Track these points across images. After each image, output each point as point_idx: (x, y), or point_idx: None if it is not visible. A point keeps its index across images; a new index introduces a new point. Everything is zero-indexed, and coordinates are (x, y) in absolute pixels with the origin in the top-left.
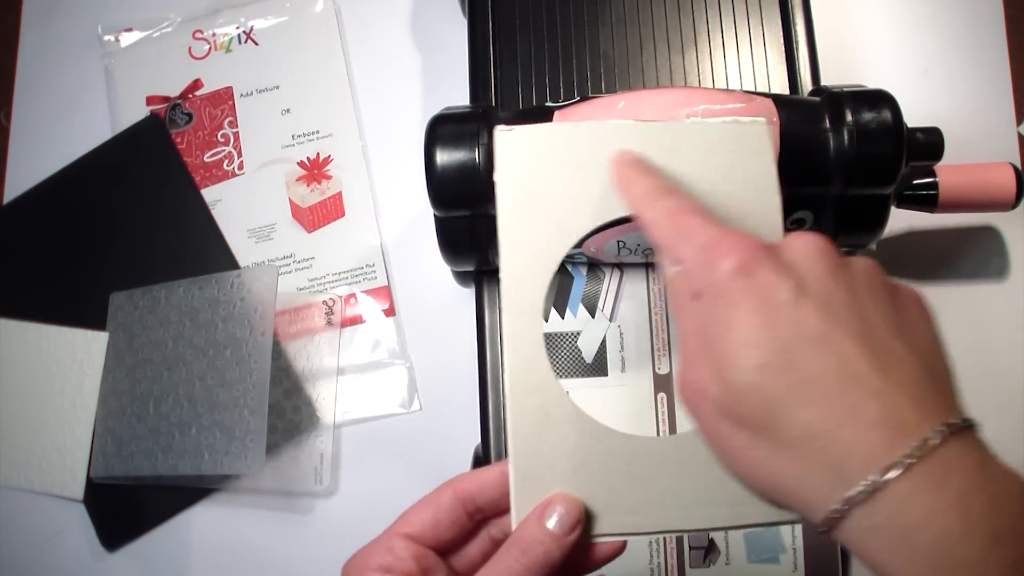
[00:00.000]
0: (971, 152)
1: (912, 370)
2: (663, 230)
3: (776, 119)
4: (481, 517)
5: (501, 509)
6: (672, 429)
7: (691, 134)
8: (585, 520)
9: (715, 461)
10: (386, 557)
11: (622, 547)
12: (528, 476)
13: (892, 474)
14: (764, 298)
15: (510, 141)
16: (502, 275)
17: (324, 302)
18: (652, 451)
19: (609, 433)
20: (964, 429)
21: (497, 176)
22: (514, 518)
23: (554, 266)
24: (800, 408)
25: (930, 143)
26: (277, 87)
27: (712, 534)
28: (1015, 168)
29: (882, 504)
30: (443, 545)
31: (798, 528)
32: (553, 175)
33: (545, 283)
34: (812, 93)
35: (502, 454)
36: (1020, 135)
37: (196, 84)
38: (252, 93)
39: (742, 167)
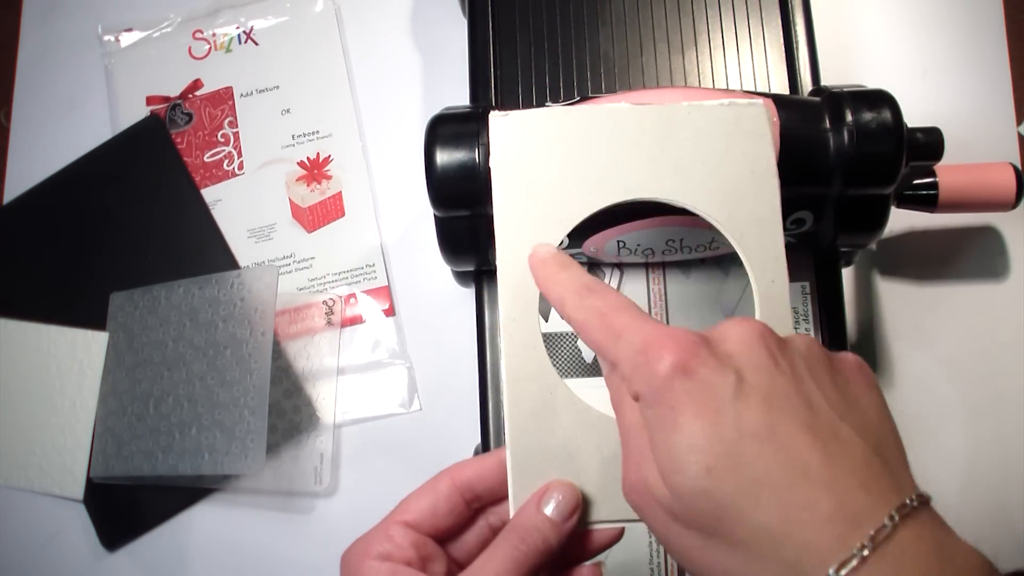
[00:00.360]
0: (971, 152)
1: (861, 453)
2: (592, 332)
3: (776, 119)
4: (479, 505)
5: (499, 497)
6: None
7: (687, 117)
8: (583, 506)
9: None
10: (385, 545)
11: (620, 534)
12: (525, 463)
13: (848, 567)
14: (705, 397)
15: (505, 126)
16: (498, 262)
17: (324, 302)
18: None
19: (606, 420)
20: (919, 508)
21: (492, 162)
22: (512, 505)
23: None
24: (751, 510)
25: (930, 143)
26: (277, 87)
27: None
28: (1015, 168)
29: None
30: (441, 533)
31: None
32: (549, 160)
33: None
34: (812, 93)
35: None
36: (1020, 135)
37: (196, 84)
38: (252, 93)
39: (739, 150)
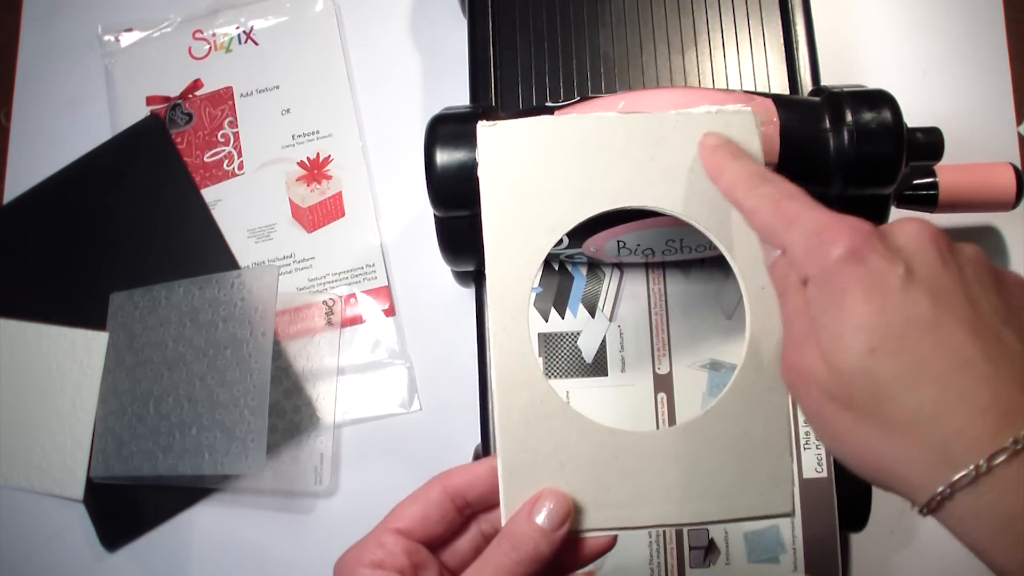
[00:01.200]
0: (971, 152)
1: (1020, 355)
2: (766, 218)
3: (776, 119)
4: (471, 512)
5: (490, 504)
6: None
7: (675, 126)
8: (575, 514)
9: (705, 455)
10: (377, 553)
11: (612, 542)
12: (517, 471)
13: (999, 459)
14: (875, 283)
15: (492, 136)
16: (487, 271)
17: (324, 302)
18: (641, 445)
19: (597, 428)
20: None
21: (480, 171)
22: (504, 513)
23: (539, 261)
24: (909, 391)
25: (930, 143)
26: (277, 87)
27: (712, 534)
28: (1015, 168)
29: (987, 488)
30: (433, 540)
31: (798, 528)
32: (537, 170)
33: (530, 278)
34: (812, 93)
35: None
36: (1020, 135)
37: (196, 84)
38: (252, 93)
39: None
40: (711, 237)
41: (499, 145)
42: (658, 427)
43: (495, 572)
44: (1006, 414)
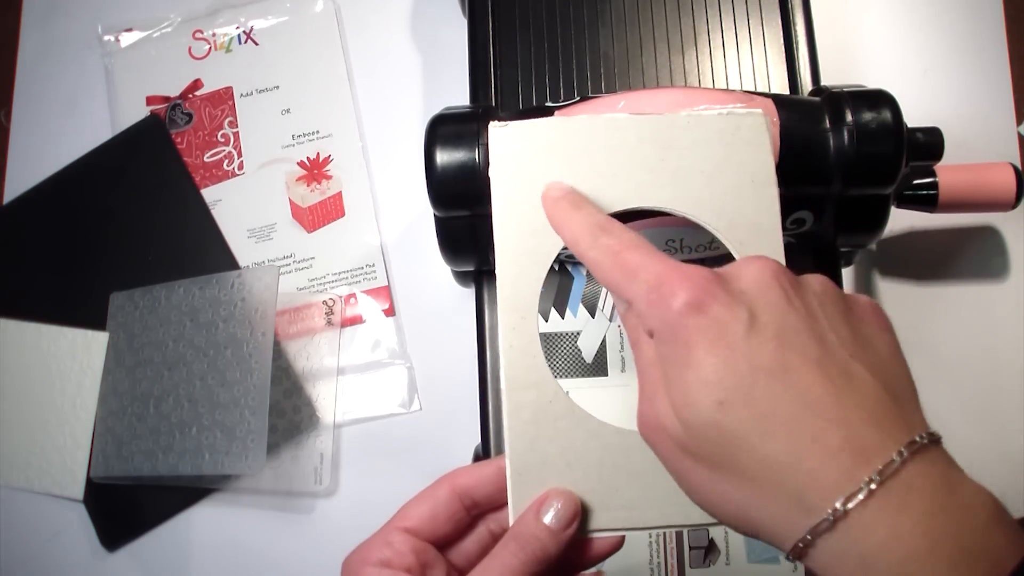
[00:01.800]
0: (971, 152)
1: (872, 391)
2: (607, 272)
3: (776, 119)
4: (478, 512)
5: (498, 504)
6: None
7: (686, 127)
8: (582, 515)
9: None
10: (385, 552)
11: (620, 542)
12: (525, 471)
13: (855, 501)
14: (719, 334)
15: (504, 136)
16: (497, 271)
17: (324, 302)
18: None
19: (605, 428)
20: (928, 446)
21: (492, 172)
22: (511, 513)
23: (548, 262)
24: (761, 441)
25: (930, 143)
26: (277, 87)
27: (712, 534)
28: (1015, 168)
29: (846, 531)
30: (441, 539)
31: None
32: (547, 170)
33: (540, 278)
34: (812, 93)
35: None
36: (1020, 135)
37: (196, 84)
38: (252, 93)
39: (738, 159)
40: (720, 239)
41: (511, 146)
42: None
43: (502, 572)
44: (859, 453)
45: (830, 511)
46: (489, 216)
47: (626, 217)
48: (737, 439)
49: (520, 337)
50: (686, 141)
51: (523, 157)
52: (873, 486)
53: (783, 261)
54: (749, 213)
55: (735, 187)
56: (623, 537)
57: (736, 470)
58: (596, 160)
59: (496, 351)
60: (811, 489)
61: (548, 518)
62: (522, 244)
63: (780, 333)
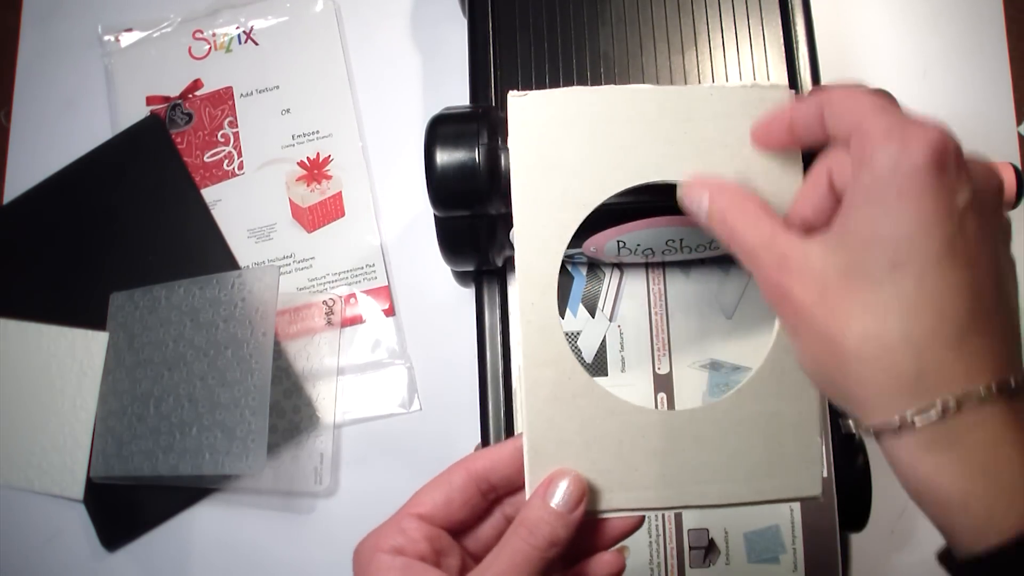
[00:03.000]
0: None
1: (1019, 325)
2: (843, 99)
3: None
4: (495, 496)
5: (515, 487)
6: None
7: (709, 99)
8: (600, 495)
9: (733, 435)
10: (398, 539)
11: (640, 522)
12: (543, 449)
13: (971, 401)
14: (942, 199)
15: (523, 106)
16: (516, 245)
17: (324, 302)
18: (669, 425)
19: (624, 406)
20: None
21: (510, 142)
22: (528, 492)
23: (569, 235)
24: (914, 310)
25: None
26: (277, 87)
27: (712, 533)
28: (1015, 168)
29: (952, 426)
30: (456, 525)
31: (798, 528)
32: (567, 141)
33: (559, 253)
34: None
35: None
36: (1020, 135)
37: (196, 84)
38: (252, 93)
39: None
40: None
41: (530, 116)
42: None
43: (512, 558)
44: (994, 362)
45: (941, 402)
46: (490, 216)
47: (630, 213)
48: (898, 286)
49: (539, 313)
50: (709, 113)
51: (542, 127)
52: (989, 394)
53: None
54: (771, 188)
55: (758, 161)
56: (643, 517)
57: (879, 307)
58: (616, 131)
59: (496, 351)
60: (932, 375)
61: (555, 500)
62: (540, 217)
63: (981, 234)
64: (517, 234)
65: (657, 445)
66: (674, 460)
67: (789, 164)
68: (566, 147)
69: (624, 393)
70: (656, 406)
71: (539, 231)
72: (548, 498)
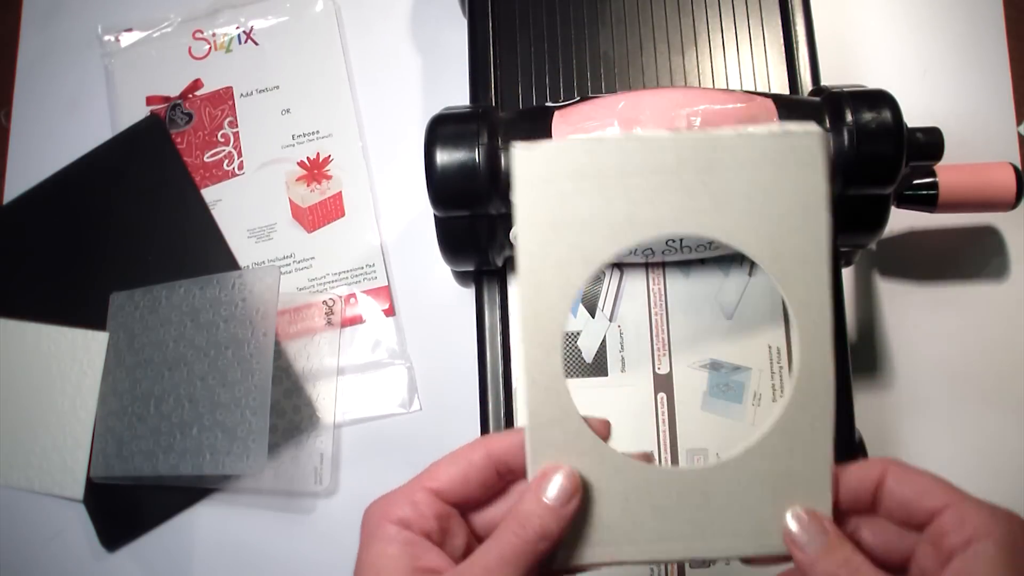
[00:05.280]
0: (971, 152)
1: None
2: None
3: (776, 119)
4: (512, 478)
5: None
6: (672, 429)
7: (732, 147)
8: (597, 547)
9: (742, 492)
10: (407, 510)
11: None
12: None
13: None
14: None
15: (530, 160)
16: (520, 303)
17: (324, 302)
18: (676, 481)
19: (630, 464)
20: None
21: (516, 197)
22: None
23: (575, 294)
24: None
25: (930, 143)
26: (277, 87)
27: None
28: (1015, 168)
29: None
30: (469, 503)
31: None
32: (578, 195)
33: (566, 312)
34: (812, 93)
35: None
36: (1020, 135)
37: (196, 84)
38: (252, 93)
39: (790, 183)
40: (764, 267)
41: (538, 170)
42: (657, 427)
43: (502, 550)
44: None
45: None
46: (490, 216)
47: None
48: None
49: (543, 372)
50: (732, 162)
51: (551, 182)
52: None
53: (828, 296)
54: (796, 243)
55: (783, 214)
56: None
57: None
58: (630, 183)
59: (496, 351)
60: None
61: (548, 495)
62: (548, 274)
63: None
64: (521, 292)
65: (664, 501)
66: (681, 515)
67: (815, 216)
68: (576, 201)
69: (625, 393)
70: (656, 406)
71: (545, 289)
72: (540, 492)
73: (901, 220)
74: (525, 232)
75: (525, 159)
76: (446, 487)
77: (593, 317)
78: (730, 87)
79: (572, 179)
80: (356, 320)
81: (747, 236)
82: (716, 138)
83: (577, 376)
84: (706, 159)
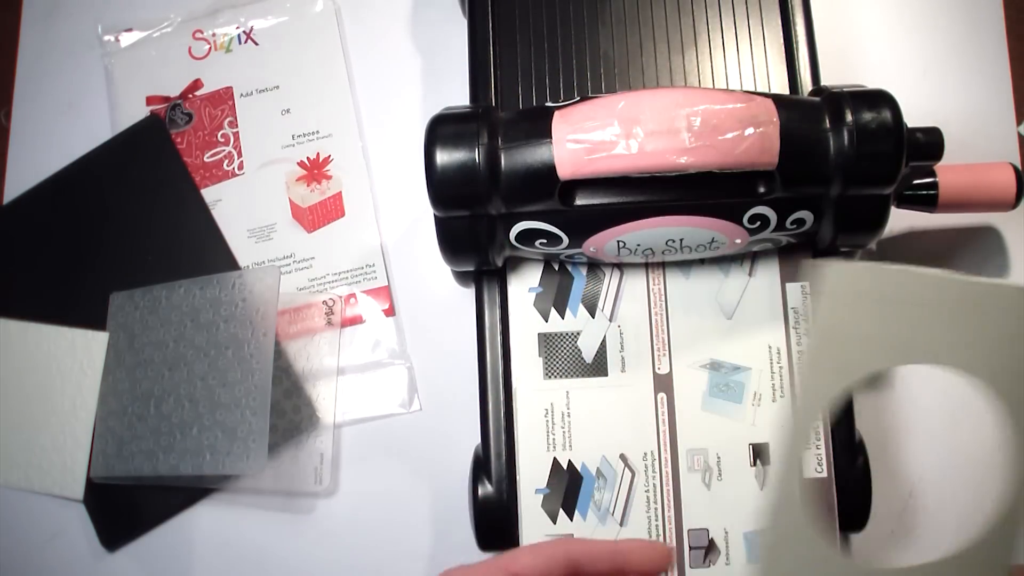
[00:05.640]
0: (971, 152)
1: None
2: None
3: (776, 119)
4: None
5: None
6: (672, 428)
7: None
8: None
9: None
10: None
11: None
12: None
13: None
14: None
15: (843, 275)
16: (798, 410)
17: (324, 302)
18: None
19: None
20: None
21: (823, 308)
22: None
23: (826, 411)
24: None
25: (930, 143)
26: (277, 87)
27: (712, 533)
28: (1015, 168)
29: None
30: None
31: None
32: (869, 316)
33: (815, 428)
34: (812, 93)
35: (501, 454)
36: (1020, 135)
37: (196, 84)
38: (252, 93)
39: None
40: (1006, 414)
41: (846, 287)
42: (658, 427)
43: None
44: None
45: None
46: (490, 216)
47: (629, 214)
48: None
49: (795, 481)
50: (1017, 317)
51: (853, 299)
52: None
53: None
54: None
55: None
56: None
57: None
58: (917, 313)
59: (496, 351)
60: None
61: None
62: (824, 387)
63: None
64: (802, 400)
65: None
66: None
67: None
68: (867, 321)
69: (625, 393)
70: (656, 406)
71: (819, 400)
72: None
73: (901, 220)
74: (820, 341)
75: (839, 273)
76: (526, 574)
77: (593, 317)
78: (730, 87)
79: (870, 300)
80: (356, 320)
81: (1006, 382)
82: (1007, 291)
83: (577, 376)
84: (994, 308)
